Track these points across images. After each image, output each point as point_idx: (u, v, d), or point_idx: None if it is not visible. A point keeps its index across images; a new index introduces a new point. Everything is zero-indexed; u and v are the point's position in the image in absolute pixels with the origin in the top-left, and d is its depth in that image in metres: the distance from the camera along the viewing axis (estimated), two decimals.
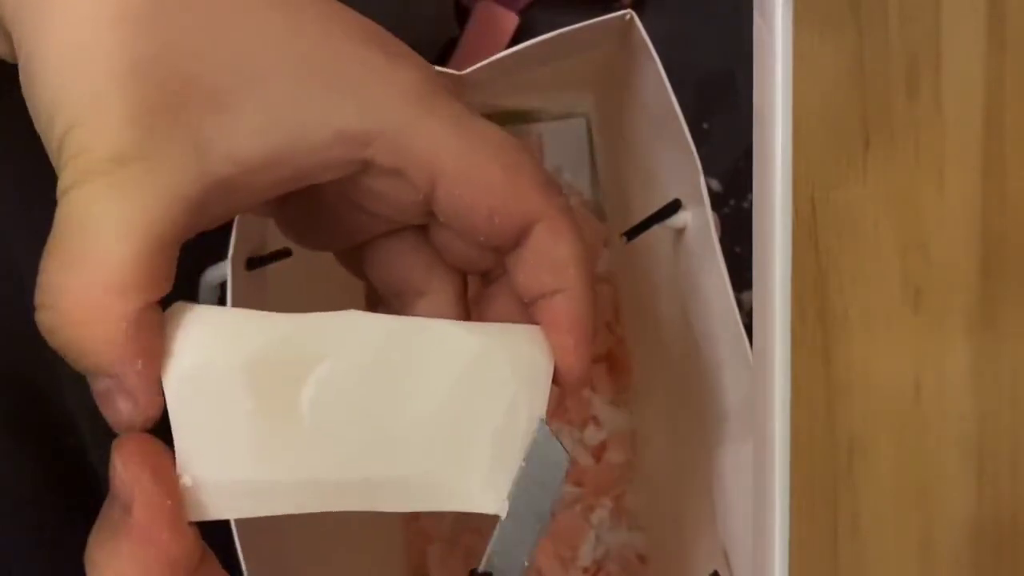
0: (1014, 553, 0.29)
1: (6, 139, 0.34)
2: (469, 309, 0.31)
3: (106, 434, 0.37)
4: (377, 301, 0.32)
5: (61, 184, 0.23)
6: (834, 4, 0.27)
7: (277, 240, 0.40)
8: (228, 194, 0.25)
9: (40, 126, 0.24)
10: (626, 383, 0.54)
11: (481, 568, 0.26)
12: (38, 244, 0.35)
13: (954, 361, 0.28)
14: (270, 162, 0.25)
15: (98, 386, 0.24)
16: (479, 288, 0.31)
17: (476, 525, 0.52)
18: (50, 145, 0.24)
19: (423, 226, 0.29)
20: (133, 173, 0.23)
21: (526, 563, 0.26)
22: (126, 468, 0.23)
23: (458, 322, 0.27)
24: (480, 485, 0.26)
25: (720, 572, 0.37)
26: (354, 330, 0.25)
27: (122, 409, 0.24)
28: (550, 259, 0.28)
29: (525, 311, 0.29)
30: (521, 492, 0.26)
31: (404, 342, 0.25)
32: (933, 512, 0.29)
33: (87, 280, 0.23)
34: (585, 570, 0.53)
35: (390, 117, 0.25)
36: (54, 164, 0.24)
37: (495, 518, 0.27)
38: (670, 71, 0.35)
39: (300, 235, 0.30)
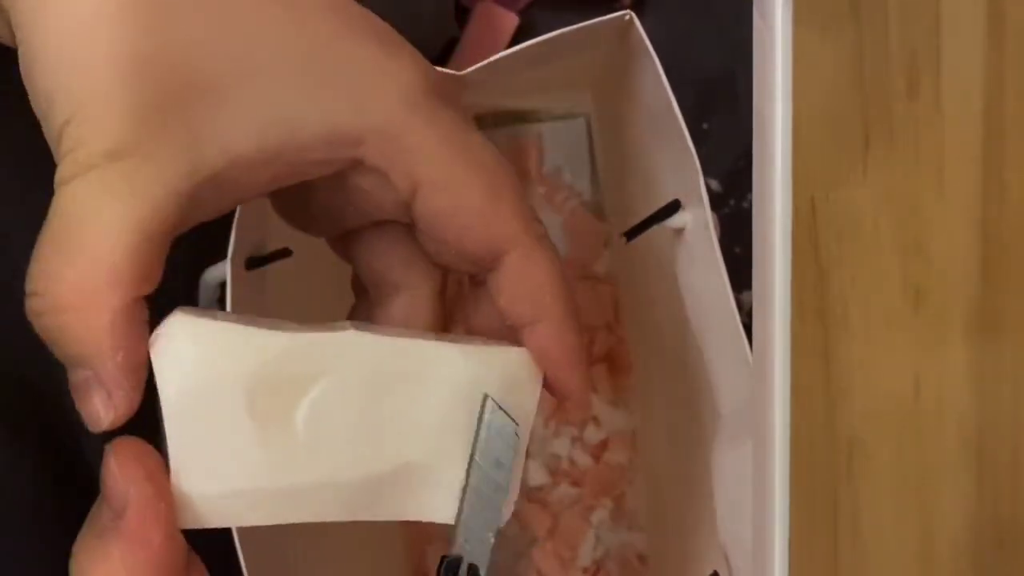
0: (1014, 553, 0.29)
1: (5, 133, 0.34)
2: (445, 307, 0.31)
3: (105, 434, 0.37)
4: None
5: (58, 175, 0.24)
6: (834, 4, 0.27)
7: (277, 240, 0.40)
8: (220, 189, 0.25)
9: (38, 109, 0.24)
10: (626, 383, 0.54)
11: (452, 552, 0.27)
12: (36, 244, 0.35)
13: (954, 361, 0.28)
14: (263, 158, 0.25)
15: (75, 378, 0.24)
16: (467, 285, 0.31)
17: None
18: (49, 132, 0.24)
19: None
20: (127, 168, 0.23)
21: (492, 539, 0.27)
22: (121, 470, 0.23)
23: (454, 344, 0.27)
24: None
25: (720, 572, 0.37)
26: (352, 349, 0.25)
27: (95, 402, 0.24)
28: (526, 288, 0.28)
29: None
30: (478, 470, 0.27)
31: (400, 362, 0.26)
32: (933, 512, 0.29)
33: (80, 270, 0.23)
34: (585, 570, 0.53)
35: (384, 119, 0.26)
36: (52, 150, 0.24)
37: None
38: (670, 71, 0.35)
39: (290, 220, 0.31)
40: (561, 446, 0.53)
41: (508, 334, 0.29)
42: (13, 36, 0.25)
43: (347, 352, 0.25)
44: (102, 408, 0.24)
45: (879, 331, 0.28)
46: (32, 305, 0.24)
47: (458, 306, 0.31)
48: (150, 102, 0.23)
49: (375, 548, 0.51)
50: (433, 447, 0.27)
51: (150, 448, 0.24)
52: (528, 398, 0.28)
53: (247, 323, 0.25)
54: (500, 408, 0.26)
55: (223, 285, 0.36)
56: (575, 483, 0.53)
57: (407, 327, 0.29)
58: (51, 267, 0.23)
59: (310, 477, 0.25)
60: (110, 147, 0.23)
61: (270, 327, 0.25)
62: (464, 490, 0.27)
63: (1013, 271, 0.28)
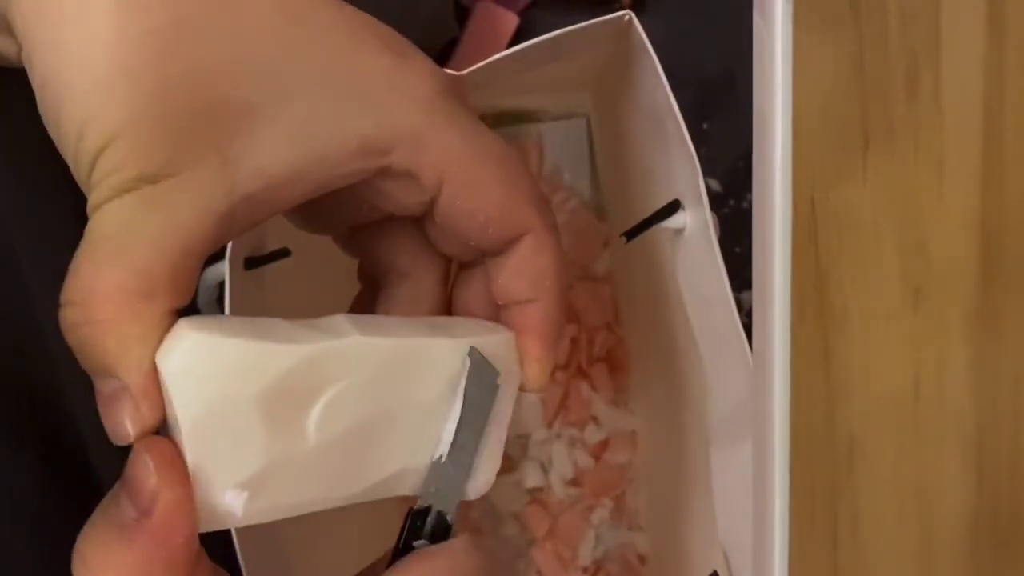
0: (1014, 553, 0.29)
1: (7, 141, 0.34)
2: (447, 292, 0.32)
3: (106, 434, 0.37)
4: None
5: (93, 200, 0.24)
6: (834, 4, 0.27)
7: (275, 240, 0.40)
8: (254, 207, 0.25)
9: (63, 140, 0.25)
10: (626, 383, 0.54)
11: (419, 505, 0.28)
12: (39, 246, 0.35)
13: (954, 361, 0.28)
14: (296, 176, 0.25)
15: (105, 389, 0.25)
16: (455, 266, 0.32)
17: (476, 524, 0.52)
18: (77, 160, 0.24)
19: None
20: (164, 190, 0.24)
21: (463, 490, 0.28)
22: (157, 470, 0.24)
23: (449, 339, 0.28)
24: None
25: (720, 572, 0.37)
26: (356, 356, 0.26)
27: (123, 415, 0.24)
28: (531, 270, 0.29)
29: (494, 301, 0.30)
30: (462, 424, 0.28)
31: (403, 361, 0.27)
32: (933, 512, 0.29)
33: (116, 282, 0.24)
34: (585, 570, 0.53)
35: (408, 125, 0.26)
36: (80, 179, 0.25)
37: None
38: (670, 71, 0.35)
39: (302, 223, 0.31)
40: (561, 446, 0.53)
41: (493, 313, 0.31)
42: (17, 56, 0.25)
43: (352, 359, 0.26)
44: (129, 421, 0.24)
45: (879, 331, 0.28)
46: (67, 316, 0.24)
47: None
48: (183, 125, 0.24)
49: (374, 546, 0.51)
50: (431, 428, 0.28)
51: (178, 450, 0.24)
52: (514, 380, 0.29)
53: (251, 331, 0.25)
54: (484, 359, 0.27)
55: (221, 284, 0.37)
56: (575, 483, 0.53)
57: (413, 313, 0.31)
58: (87, 279, 0.24)
59: (322, 475, 0.26)
60: (147, 171, 0.24)
61: (269, 331, 0.26)
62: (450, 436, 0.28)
63: (1013, 271, 0.28)
